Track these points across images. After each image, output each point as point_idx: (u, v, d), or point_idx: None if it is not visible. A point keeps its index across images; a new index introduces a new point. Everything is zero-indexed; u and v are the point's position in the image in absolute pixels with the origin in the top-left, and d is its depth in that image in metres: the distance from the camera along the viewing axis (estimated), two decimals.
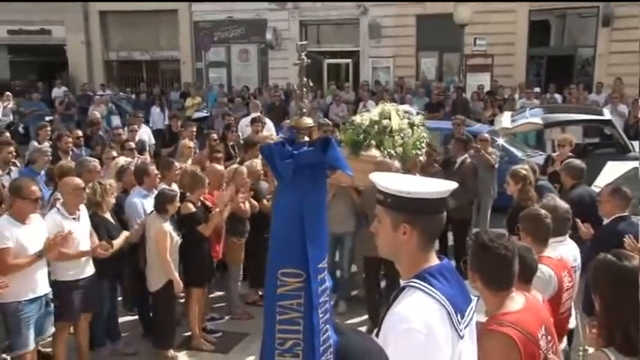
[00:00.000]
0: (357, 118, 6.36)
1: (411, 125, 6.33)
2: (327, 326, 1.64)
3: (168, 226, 4.97)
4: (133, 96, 16.93)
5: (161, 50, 20.02)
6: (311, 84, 1.82)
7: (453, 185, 1.79)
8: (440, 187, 1.78)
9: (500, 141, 8.97)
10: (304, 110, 1.68)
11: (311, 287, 1.56)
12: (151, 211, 5.10)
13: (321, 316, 1.60)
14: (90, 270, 4.70)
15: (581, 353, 4.45)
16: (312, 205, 1.59)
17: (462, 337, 1.72)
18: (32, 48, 20.38)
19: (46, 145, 7.57)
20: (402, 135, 6.14)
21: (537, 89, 14.42)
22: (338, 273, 6.20)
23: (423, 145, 6.37)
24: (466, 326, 1.75)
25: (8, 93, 14.41)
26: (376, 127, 6.08)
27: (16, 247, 4.08)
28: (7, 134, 8.94)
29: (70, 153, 7.37)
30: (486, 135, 7.71)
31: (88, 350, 4.94)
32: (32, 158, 6.71)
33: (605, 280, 2.11)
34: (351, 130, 6.14)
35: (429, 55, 17.63)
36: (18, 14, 19.20)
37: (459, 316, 1.72)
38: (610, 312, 2.08)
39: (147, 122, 10.69)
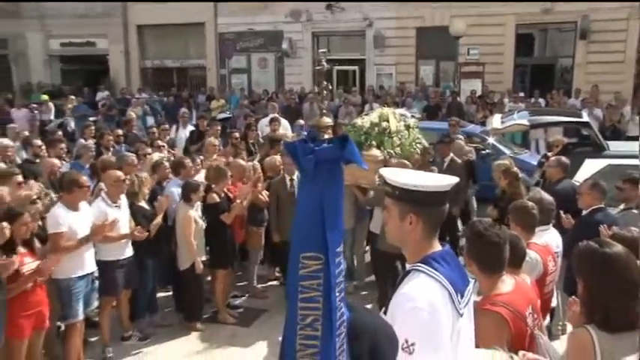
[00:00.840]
0: (358, 121, 6.20)
1: (407, 127, 6.23)
2: (342, 303, 1.63)
3: (193, 213, 4.99)
4: (165, 99, 16.95)
5: (190, 59, 20.01)
6: (330, 87, 1.80)
7: (454, 180, 1.77)
8: (443, 181, 1.77)
9: (491, 140, 9.10)
10: (324, 111, 1.66)
11: (329, 269, 1.55)
12: (180, 199, 5.13)
13: (337, 294, 1.60)
14: (129, 252, 4.74)
15: (560, 328, 4.44)
16: (331, 196, 1.56)
17: (461, 315, 1.71)
18: (80, 58, 20.62)
19: (91, 142, 7.60)
20: (399, 136, 6.04)
21: (522, 94, 14.30)
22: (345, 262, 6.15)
23: (419, 145, 6.27)
24: (465, 305, 1.74)
25: (72, 97, 14.54)
26: (376, 128, 5.95)
27: (69, 231, 4.13)
28: (60, 133, 9.02)
29: (111, 149, 7.42)
30: (459, 137, 7.76)
31: (129, 321, 5.00)
32: (79, 153, 6.75)
33: (587, 265, 2.08)
34: (352, 132, 6.00)
35: (428, 63, 17.49)
36: (68, 29, 19.60)
37: (459, 296, 1.70)
38: (592, 294, 2.05)
39: (177, 122, 10.68)
